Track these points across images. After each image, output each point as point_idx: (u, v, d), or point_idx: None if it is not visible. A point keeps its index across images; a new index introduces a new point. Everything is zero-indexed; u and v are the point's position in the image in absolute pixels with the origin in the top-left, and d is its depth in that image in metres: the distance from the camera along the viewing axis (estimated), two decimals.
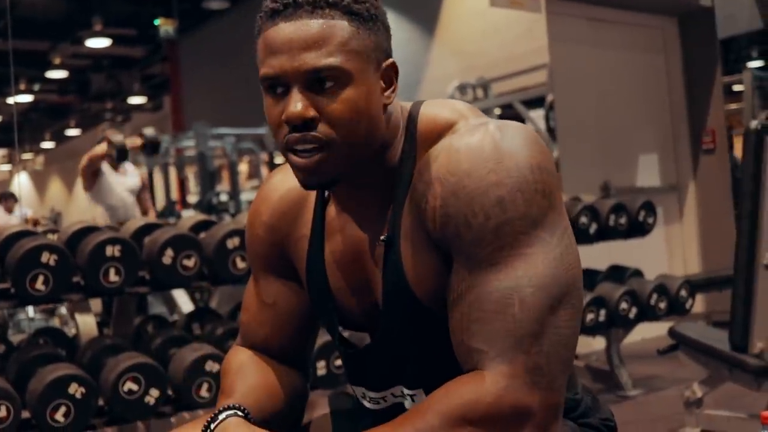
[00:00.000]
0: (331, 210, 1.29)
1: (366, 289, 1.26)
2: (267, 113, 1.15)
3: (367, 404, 1.32)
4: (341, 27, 1.11)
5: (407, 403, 1.26)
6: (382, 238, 1.19)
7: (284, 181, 1.36)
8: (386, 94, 1.17)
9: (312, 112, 1.10)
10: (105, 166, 5.47)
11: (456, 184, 1.09)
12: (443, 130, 1.18)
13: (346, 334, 1.33)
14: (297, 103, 1.10)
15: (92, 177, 5.30)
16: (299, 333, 1.39)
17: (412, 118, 1.21)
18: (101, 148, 5.21)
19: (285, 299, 1.37)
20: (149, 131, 5.80)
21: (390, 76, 1.18)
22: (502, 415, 1.01)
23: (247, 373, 1.33)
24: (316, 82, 1.10)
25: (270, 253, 1.37)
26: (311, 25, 1.10)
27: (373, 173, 1.20)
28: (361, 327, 1.32)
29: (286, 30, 1.10)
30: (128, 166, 5.86)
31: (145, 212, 5.70)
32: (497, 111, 7.37)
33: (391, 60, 1.18)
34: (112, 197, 5.34)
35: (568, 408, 1.25)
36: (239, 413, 1.21)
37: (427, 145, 1.18)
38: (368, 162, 1.18)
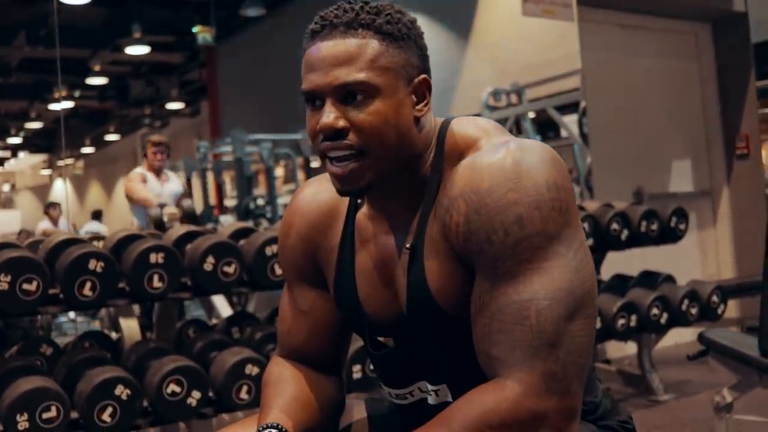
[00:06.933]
0: (362, 219, 1.36)
1: (393, 297, 1.33)
2: (307, 124, 1.26)
3: (394, 400, 1.40)
4: (371, 45, 1.20)
5: (431, 399, 1.33)
6: (407, 245, 1.27)
7: (317, 193, 1.43)
8: (418, 107, 1.25)
9: (342, 123, 1.20)
10: (149, 175, 5.71)
11: (478, 202, 1.17)
12: (467, 146, 1.26)
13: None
14: (329, 114, 1.20)
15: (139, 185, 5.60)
16: (334, 339, 1.46)
17: (441, 133, 1.29)
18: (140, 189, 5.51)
19: (320, 307, 1.44)
20: (187, 203, 5.61)
21: (422, 91, 1.26)
22: (520, 419, 1.08)
23: (285, 387, 1.39)
24: (347, 95, 1.20)
25: (303, 263, 1.44)
26: (344, 44, 1.20)
27: (404, 183, 1.27)
28: (388, 333, 1.38)
29: (322, 48, 1.21)
30: (169, 173, 6.04)
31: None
32: (531, 115, 7.39)
33: (423, 76, 1.26)
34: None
35: (587, 411, 1.32)
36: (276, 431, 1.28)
37: (452, 160, 1.26)
38: (401, 171, 1.25)
